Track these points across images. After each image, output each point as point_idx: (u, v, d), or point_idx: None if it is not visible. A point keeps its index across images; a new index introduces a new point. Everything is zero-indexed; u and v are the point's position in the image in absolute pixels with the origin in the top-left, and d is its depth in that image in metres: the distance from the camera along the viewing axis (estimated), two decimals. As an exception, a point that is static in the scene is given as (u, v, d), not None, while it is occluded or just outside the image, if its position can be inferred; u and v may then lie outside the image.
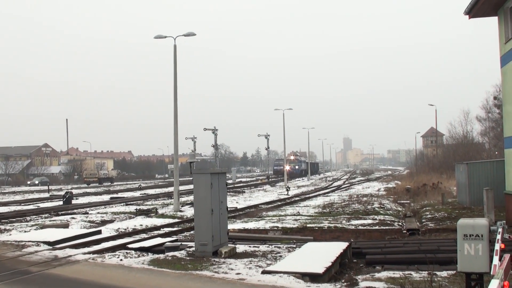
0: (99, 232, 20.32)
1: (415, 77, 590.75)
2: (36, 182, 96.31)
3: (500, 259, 7.73)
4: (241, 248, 15.57)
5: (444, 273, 11.21)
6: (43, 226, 22.36)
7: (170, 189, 56.35)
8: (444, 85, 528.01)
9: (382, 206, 29.97)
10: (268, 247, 15.96)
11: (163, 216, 27.74)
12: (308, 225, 21.46)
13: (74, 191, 53.10)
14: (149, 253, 15.47)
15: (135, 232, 21.32)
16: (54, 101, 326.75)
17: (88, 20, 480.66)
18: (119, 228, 22.41)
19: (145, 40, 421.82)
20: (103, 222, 25.40)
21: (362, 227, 21.10)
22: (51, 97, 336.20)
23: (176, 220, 25.95)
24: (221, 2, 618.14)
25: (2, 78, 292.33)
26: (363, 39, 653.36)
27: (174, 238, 18.89)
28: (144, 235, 20.28)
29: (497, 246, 8.57)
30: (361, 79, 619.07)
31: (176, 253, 14.63)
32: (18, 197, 51.90)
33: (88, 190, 64.65)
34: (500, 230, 9.64)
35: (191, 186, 17.57)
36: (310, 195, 45.69)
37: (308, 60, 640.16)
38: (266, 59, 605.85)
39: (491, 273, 7.48)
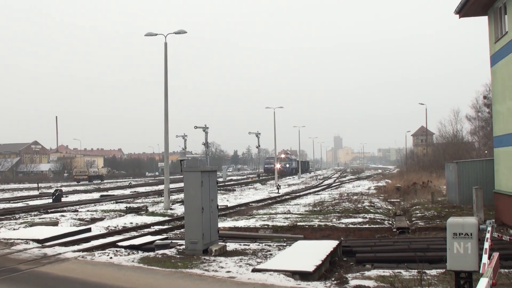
0: (89, 230, 20.22)
1: (406, 75, 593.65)
2: None
3: (489, 258, 7.77)
4: (231, 246, 15.56)
5: (433, 272, 11.26)
6: (32, 224, 22.24)
7: (161, 187, 56.29)
8: (434, 84, 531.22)
9: (372, 204, 30.06)
10: (258, 245, 15.95)
11: (153, 214, 27.67)
12: (298, 224, 21.49)
13: (64, 189, 52.84)
14: (139, 251, 15.44)
15: (125, 230, 21.25)
16: (44, 98, 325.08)
17: (78, 15, 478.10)
18: (109, 226, 22.32)
19: (138, 36, 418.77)
20: (93, 220, 25.31)
21: (353, 226, 21.15)
22: (41, 94, 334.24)
23: (167, 218, 25.89)
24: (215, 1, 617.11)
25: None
26: (355, 34, 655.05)
27: (164, 236, 18.87)
28: (134, 233, 20.22)
29: (486, 245, 8.63)
30: (352, 76, 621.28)
31: (166, 251, 14.59)
32: (7, 195, 51.56)
33: (78, 188, 64.36)
34: (489, 228, 9.70)
35: (182, 184, 17.53)
36: (301, 193, 45.74)
37: (298, 58, 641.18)
38: (257, 56, 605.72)
39: (480, 271, 7.52)
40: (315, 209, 28.10)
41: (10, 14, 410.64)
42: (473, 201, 20.68)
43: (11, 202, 40.01)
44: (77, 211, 29.70)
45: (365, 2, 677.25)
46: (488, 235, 9.41)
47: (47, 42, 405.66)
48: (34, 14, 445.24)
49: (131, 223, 23.49)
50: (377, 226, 21.25)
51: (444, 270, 10.92)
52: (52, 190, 46.88)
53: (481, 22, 22.23)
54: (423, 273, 10.47)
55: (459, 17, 22.21)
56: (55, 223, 22.46)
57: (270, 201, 36.27)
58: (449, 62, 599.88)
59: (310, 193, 45.11)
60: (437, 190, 35.60)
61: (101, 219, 25.76)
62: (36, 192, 54.34)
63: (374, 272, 11.63)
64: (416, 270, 11.05)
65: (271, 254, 14.07)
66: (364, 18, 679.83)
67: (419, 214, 24.67)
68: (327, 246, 13.69)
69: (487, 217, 18.90)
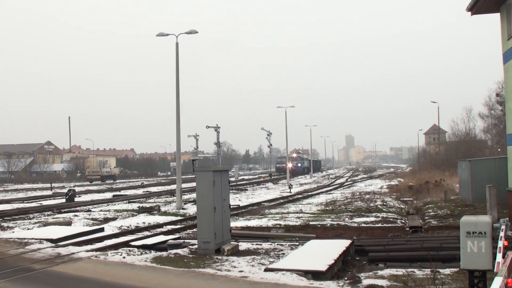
0: (102, 229, 20.33)
1: (417, 72, 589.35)
2: None
3: (503, 256, 7.71)
4: (243, 245, 15.57)
5: (447, 271, 11.20)
6: (46, 224, 22.40)
7: (173, 186, 56.39)
8: (446, 81, 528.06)
9: (384, 203, 29.95)
10: (270, 244, 15.95)
11: (165, 213, 27.77)
12: (310, 223, 21.46)
13: (77, 189, 53.18)
14: (152, 251, 15.50)
15: (138, 229, 21.34)
16: (57, 98, 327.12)
17: (90, 16, 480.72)
18: (121, 226, 22.43)
19: (148, 36, 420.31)
20: (106, 220, 25.44)
21: (365, 225, 21.09)
22: (54, 94, 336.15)
23: (179, 217, 25.97)
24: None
25: (4, 75, 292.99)
26: (364, 33, 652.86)
27: (176, 235, 18.92)
28: (146, 233, 20.30)
29: (500, 244, 8.56)
30: (363, 74, 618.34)
31: (179, 251, 14.63)
32: (21, 195, 51.96)
33: (90, 188, 64.70)
34: (503, 227, 9.62)
35: (194, 184, 17.55)
36: (313, 192, 45.67)
37: (308, 56, 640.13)
38: (267, 55, 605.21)
39: (494, 270, 7.46)
40: (327, 208, 28.05)
41: (24, 19, 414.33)
42: (486, 200, 20.54)
43: (25, 202, 40.31)
44: (90, 211, 29.87)
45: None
46: (502, 234, 9.34)
47: (59, 45, 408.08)
48: (46, 18, 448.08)
49: (144, 222, 23.59)
50: (389, 225, 21.18)
51: (457, 269, 10.85)
52: (65, 190, 47.20)
53: (494, 18, 22.08)
54: (437, 272, 10.42)
55: (471, 14, 22.06)
56: (68, 223, 22.62)
57: (282, 201, 36.26)
58: (461, 58, 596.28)
59: (322, 192, 45.03)
60: (450, 189, 35.43)
61: (114, 219, 25.89)
62: (49, 192, 54.72)
63: (387, 271, 11.59)
64: (429, 269, 11.00)
65: (283, 254, 14.06)
66: (373, 14, 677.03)
67: (432, 213, 24.55)
68: (339, 245, 13.66)
69: (501, 215, 18.77)
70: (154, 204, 33.32)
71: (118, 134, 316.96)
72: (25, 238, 17.28)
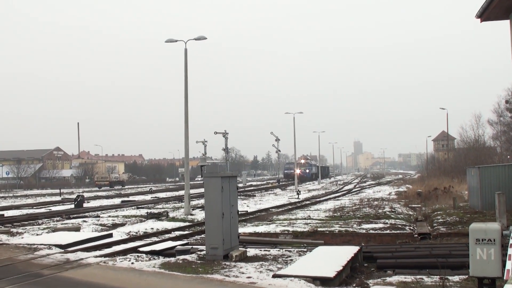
0: (110, 235, 20.39)
1: (426, 79, 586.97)
2: None
3: (513, 264, 7.68)
4: (251, 251, 15.57)
5: (456, 278, 11.14)
6: (55, 229, 22.50)
7: (181, 192, 56.53)
8: (455, 88, 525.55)
9: (393, 210, 29.83)
10: (279, 250, 15.95)
11: (174, 219, 27.80)
12: (319, 229, 21.42)
13: (86, 195, 53.40)
14: (160, 257, 15.54)
15: (146, 235, 21.39)
16: (66, 103, 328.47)
17: (97, 23, 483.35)
18: (130, 232, 22.49)
19: (157, 41, 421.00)
20: (114, 226, 25.51)
21: (373, 231, 21.03)
22: (63, 99, 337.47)
23: (187, 223, 26.00)
24: (232, 4, 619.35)
25: (13, 80, 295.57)
26: (373, 42, 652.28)
27: (185, 241, 18.95)
28: (155, 239, 20.35)
29: (510, 251, 8.53)
30: (372, 80, 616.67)
31: (187, 257, 14.65)
32: (30, 200, 52.22)
33: (99, 194, 64.90)
34: (512, 234, 9.59)
35: (202, 190, 17.64)
36: (321, 198, 45.58)
37: (318, 62, 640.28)
38: (276, 61, 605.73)
39: (504, 278, 7.45)
40: (335, 214, 27.97)
41: (34, 26, 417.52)
42: (495, 207, 20.42)
43: (34, 207, 40.50)
44: (99, 216, 29.97)
45: (385, 5, 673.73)
46: (511, 241, 9.31)
47: (67, 49, 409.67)
48: (55, 24, 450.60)
49: (152, 228, 23.63)
50: (398, 231, 21.10)
51: (466, 276, 10.79)
52: (74, 196, 47.43)
53: (503, 25, 22.04)
54: (445, 279, 10.38)
55: (480, 21, 22.00)
56: (77, 229, 22.70)
57: (290, 207, 36.21)
58: (470, 65, 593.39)
59: (330, 199, 44.93)
60: (458, 196, 35.24)
61: (122, 225, 25.96)
62: (58, 198, 54.94)
63: (395, 278, 11.54)
64: (438, 276, 10.95)
65: (291, 260, 14.05)
66: (383, 21, 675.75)
67: (440, 220, 24.44)
68: (347, 251, 13.63)
69: (510, 222, 18.66)
70: (162, 210, 33.37)
71: (126, 140, 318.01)
72: (34, 244, 17.37)
